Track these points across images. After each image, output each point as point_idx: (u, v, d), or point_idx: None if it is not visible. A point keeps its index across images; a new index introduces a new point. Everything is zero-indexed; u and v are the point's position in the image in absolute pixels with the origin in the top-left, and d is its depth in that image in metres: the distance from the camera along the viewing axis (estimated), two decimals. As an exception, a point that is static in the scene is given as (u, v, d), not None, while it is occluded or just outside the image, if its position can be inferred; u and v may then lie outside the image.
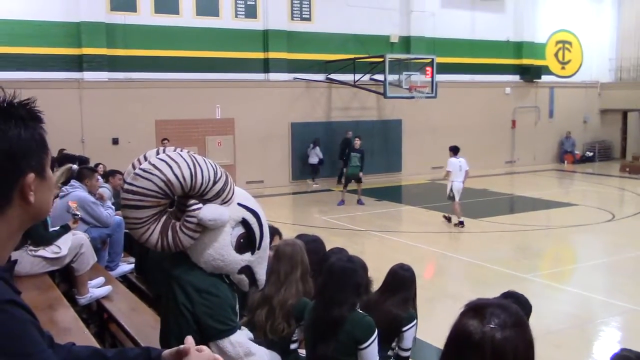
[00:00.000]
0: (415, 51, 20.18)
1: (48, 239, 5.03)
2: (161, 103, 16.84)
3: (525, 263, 10.19)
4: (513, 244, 11.66)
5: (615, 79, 26.27)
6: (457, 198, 12.58)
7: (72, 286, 5.18)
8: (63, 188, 6.31)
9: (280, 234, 4.71)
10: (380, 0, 20.19)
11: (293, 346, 3.77)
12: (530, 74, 23.52)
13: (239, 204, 2.94)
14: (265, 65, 18.58)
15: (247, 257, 2.96)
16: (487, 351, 1.42)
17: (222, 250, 2.88)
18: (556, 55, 24.92)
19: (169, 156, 2.79)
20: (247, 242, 2.95)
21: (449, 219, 13.02)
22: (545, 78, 24.15)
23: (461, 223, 12.56)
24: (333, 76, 19.24)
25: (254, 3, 18.48)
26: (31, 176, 1.29)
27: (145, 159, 2.82)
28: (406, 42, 20.83)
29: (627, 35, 25.56)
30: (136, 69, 16.75)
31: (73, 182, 6.43)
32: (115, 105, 16.27)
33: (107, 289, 5.08)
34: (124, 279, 6.42)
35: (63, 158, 9.55)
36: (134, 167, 2.79)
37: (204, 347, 1.55)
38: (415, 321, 4.05)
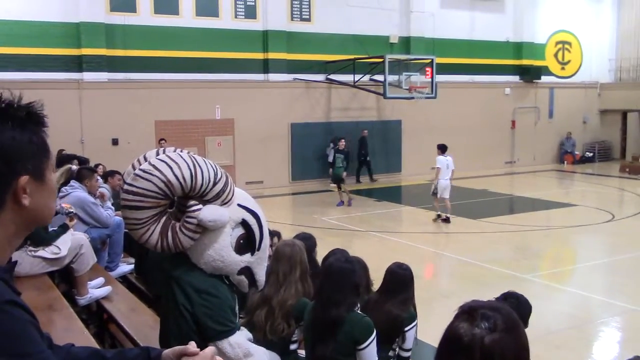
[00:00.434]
0: (414, 52, 20.18)
1: (48, 240, 5.02)
2: (161, 103, 16.83)
3: (525, 263, 10.19)
4: (513, 244, 11.65)
5: (615, 79, 26.25)
6: (443, 195, 12.91)
7: (72, 287, 5.17)
8: (63, 189, 6.31)
9: (280, 236, 4.71)
10: (380, 1, 20.18)
11: (292, 346, 3.77)
12: (530, 74, 23.51)
13: (239, 205, 2.94)
14: (265, 66, 18.58)
15: (246, 258, 2.96)
16: (476, 354, 1.41)
17: (222, 251, 2.87)
18: (556, 55, 24.91)
19: (169, 157, 2.78)
20: (247, 243, 2.95)
21: (440, 217, 13.23)
22: (545, 78, 24.14)
23: (447, 219, 12.91)
24: (333, 77, 19.22)
25: (253, 3, 18.47)
26: (25, 178, 1.27)
27: (145, 159, 2.82)
28: (406, 43, 20.82)
29: (627, 36, 25.56)
30: (136, 69, 16.74)
31: (73, 182, 6.44)
32: (114, 105, 16.25)
33: (106, 289, 5.08)
34: (124, 279, 6.42)
35: (62, 158, 9.54)
36: (133, 168, 2.79)
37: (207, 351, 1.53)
38: (416, 321, 4.06)
